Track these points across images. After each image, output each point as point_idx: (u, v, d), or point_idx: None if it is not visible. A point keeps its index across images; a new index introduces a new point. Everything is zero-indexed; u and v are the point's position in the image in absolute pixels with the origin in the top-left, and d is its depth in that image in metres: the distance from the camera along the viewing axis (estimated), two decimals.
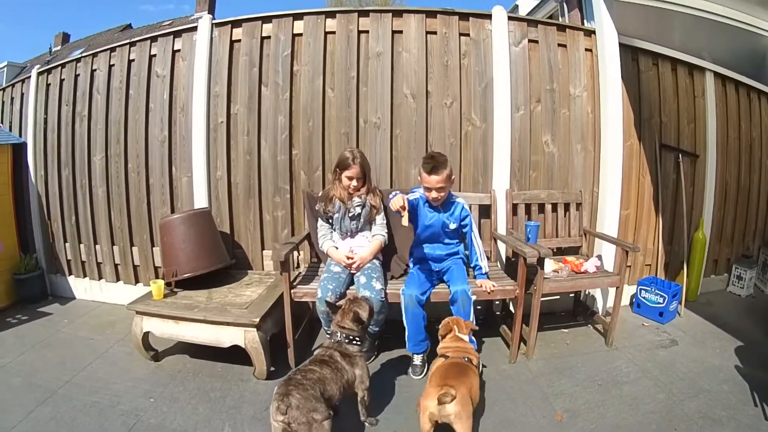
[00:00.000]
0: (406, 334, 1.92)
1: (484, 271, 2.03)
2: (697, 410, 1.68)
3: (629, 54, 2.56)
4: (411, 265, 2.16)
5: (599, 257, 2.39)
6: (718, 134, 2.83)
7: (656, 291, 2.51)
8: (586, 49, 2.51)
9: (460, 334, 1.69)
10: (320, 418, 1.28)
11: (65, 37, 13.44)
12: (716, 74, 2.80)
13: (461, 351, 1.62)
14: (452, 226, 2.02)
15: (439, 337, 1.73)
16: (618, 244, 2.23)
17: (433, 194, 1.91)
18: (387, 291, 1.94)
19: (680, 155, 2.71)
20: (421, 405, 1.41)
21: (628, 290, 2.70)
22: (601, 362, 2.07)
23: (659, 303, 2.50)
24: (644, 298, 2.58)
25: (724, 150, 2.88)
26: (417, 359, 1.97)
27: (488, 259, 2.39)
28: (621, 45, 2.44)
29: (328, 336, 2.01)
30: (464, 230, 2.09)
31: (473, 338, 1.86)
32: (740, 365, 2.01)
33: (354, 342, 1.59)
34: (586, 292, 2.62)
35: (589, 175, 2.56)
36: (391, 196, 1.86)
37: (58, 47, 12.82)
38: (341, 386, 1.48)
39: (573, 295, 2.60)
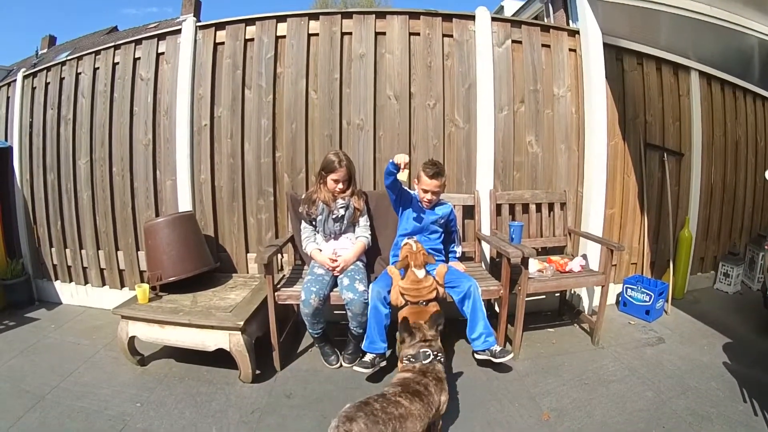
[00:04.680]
0: (367, 330, 1.92)
1: (457, 255, 2.29)
2: (686, 407, 1.68)
3: (613, 54, 2.57)
4: (391, 261, 2.16)
5: (584, 256, 2.41)
6: (704, 133, 2.85)
7: (642, 289, 2.52)
8: (570, 50, 2.52)
9: (415, 270, 1.85)
10: None
11: (51, 40, 13.29)
12: (701, 73, 2.81)
13: (416, 293, 1.81)
14: (440, 221, 2.17)
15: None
16: (603, 243, 2.24)
17: (429, 196, 2.09)
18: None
19: (665, 154, 2.73)
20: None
21: (614, 289, 2.71)
22: (587, 361, 2.08)
23: (645, 301, 2.51)
24: (630, 296, 2.60)
25: (710, 148, 2.90)
26: (367, 357, 1.92)
27: (472, 259, 2.45)
28: (605, 45, 2.45)
29: (315, 337, 2.01)
30: (451, 227, 2.24)
31: (491, 330, 1.94)
32: (728, 362, 2.02)
33: (441, 360, 1.45)
34: (572, 292, 2.63)
35: (574, 175, 2.57)
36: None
37: (45, 50, 12.67)
38: (426, 423, 1.30)
39: (558, 294, 2.61)
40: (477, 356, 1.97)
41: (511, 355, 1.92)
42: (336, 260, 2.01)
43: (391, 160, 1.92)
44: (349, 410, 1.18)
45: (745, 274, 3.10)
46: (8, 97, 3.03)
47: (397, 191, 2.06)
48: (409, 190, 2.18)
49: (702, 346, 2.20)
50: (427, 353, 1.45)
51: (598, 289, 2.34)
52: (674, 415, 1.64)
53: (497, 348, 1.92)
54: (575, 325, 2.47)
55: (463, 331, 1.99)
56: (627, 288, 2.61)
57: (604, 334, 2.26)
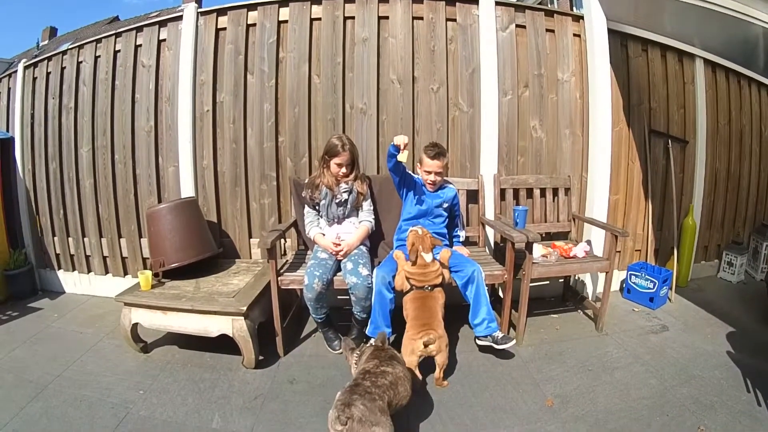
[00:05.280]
0: (371, 315, 1.91)
1: (461, 239, 2.29)
2: (689, 396, 1.67)
3: (618, 40, 2.55)
4: (395, 245, 2.16)
5: (588, 242, 2.39)
6: (708, 121, 2.83)
7: (646, 276, 2.51)
8: (575, 35, 2.51)
9: (424, 255, 1.84)
10: None
11: (52, 32, 13.19)
12: (706, 61, 2.79)
13: (422, 278, 1.82)
14: (444, 205, 2.16)
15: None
16: (607, 229, 2.23)
17: (432, 177, 2.09)
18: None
19: (670, 141, 2.71)
20: (409, 347, 1.68)
21: (618, 275, 2.71)
22: (591, 348, 2.07)
23: (649, 288, 2.50)
24: (634, 283, 2.58)
25: (714, 136, 2.88)
26: (371, 342, 1.92)
27: (476, 244, 2.45)
28: (610, 30, 2.43)
29: (319, 322, 2.01)
30: (455, 211, 2.24)
31: (493, 316, 1.94)
32: (732, 351, 2.00)
33: None
34: (576, 278, 2.62)
35: (578, 161, 2.56)
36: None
37: (46, 42, 12.58)
38: (412, 382, 1.38)
39: (562, 280, 2.61)
40: (479, 342, 1.96)
41: (513, 342, 1.91)
42: (339, 244, 2.00)
43: (391, 143, 1.91)
44: (343, 397, 1.18)
45: (749, 264, 3.09)
46: (9, 89, 3.01)
47: (400, 173, 2.05)
48: (412, 173, 2.17)
49: (706, 334, 2.19)
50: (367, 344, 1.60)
51: (602, 276, 2.34)
52: (678, 404, 1.63)
53: (499, 334, 1.91)
54: (579, 311, 2.47)
55: (466, 317, 1.98)
56: (631, 275, 2.60)
57: (608, 321, 2.25)
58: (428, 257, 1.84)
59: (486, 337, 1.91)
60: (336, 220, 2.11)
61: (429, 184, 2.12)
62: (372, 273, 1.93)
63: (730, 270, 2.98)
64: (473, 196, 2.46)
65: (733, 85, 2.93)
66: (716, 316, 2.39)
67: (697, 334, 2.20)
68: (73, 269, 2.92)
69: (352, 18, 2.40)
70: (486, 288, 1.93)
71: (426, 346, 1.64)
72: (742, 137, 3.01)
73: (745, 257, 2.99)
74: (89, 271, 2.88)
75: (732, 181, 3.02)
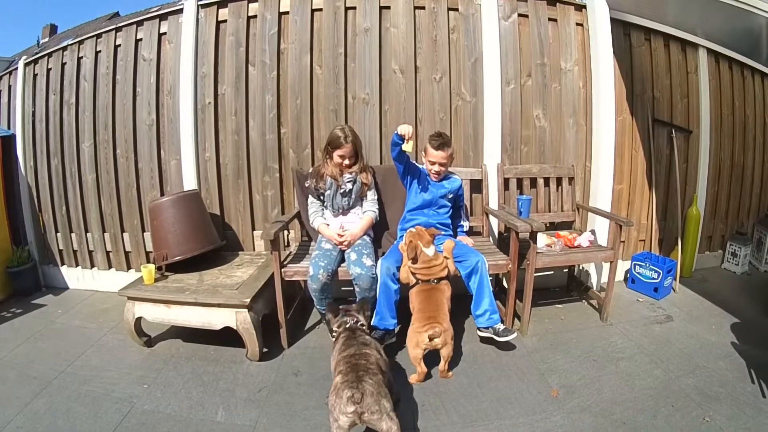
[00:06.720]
0: (376, 306, 1.90)
1: (465, 230, 2.29)
2: (694, 386, 1.66)
3: (621, 29, 2.54)
4: (399, 236, 2.15)
5: (593, 232, 2.39)
6: (712, 111, 2.81)
7: (651, 266, 2.50)
8: (577, 24, 2.50)
9: (425, 250, 1.82)
10: (389, 406, 1.16)
11: (53, 29, 13.14)
12: (709, 51, 2.77)
13: (427, 272, 1.81)
14: (449, 195, 2.16)
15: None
16: (611, 218, 2.22)
17: (436, 168, 2.07)
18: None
19: (673, 130, 2.70)
20: (414, 340, 1.69)
21: (623, 265, 2.70)
22: (596, 338, 2.06)
23: (654, 278, 2.49)
24: (639, 273, 2.57)
25: (718, 126, 2.86)
26: (376, 333, 1.91)
27: (480, 234, 2.44)
28: (613, 20, 2.42)
29: (323, 313, 2.00)
30: (459, 201, 2.25)
31: (496, 308, 1.94)
32: (736, 342, 1.99)
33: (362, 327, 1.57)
34: (580, 267, 2.61)
35: (582, 150, 2.55)
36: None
37: (46, 39, 12.51)
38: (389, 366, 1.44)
39: (567, 270, 2.60)
40: (480, 333, 1.95)
41: (515, 335, 1.89)
42: (343, 235, 1.99)
43: (395, 132, 1.89)
44: (349, 376, 1.20)
45: (753, 254, 3.07)
46: (10, 86, 3.00)
47: (404, 163, 2.04)
48: (416, 163, 2.16)
49: (710, 325, 2.18)
50: (347, 320, 1.60)
51: (606, 266, 2.33)
52: (683, 394, 1.62)
53: (501, 326, 1.90)
54: (583, 301, 2.46)
55: (470, 307, 1.97)
56: (635, 264, 2.59)
57: (612, 311, 2.24)
58: (430, 251, 1.82)
59: (487, 328, 1.90)
60: (341, 211, 2.10)
61: (433, 174, 2.11)
62: (376, 263, 1.92)
63: (734, 261, 2.97)
64: (477, 185, 2.45)
65: (736, 76, 2.91)
66: (720, 306, 2.38)
67: (702, 324, 2.19)
68: (77, 265, 2.91)
69: (354, 8, 2.39)
70: (490, 278, 1.92)
71: (431, 339, 1.63)
72: (745, 127, 3.00)
73: (749, 248, 2.98)
74: (92, 266, 2.88)
75: (736, 171, 3.00)
